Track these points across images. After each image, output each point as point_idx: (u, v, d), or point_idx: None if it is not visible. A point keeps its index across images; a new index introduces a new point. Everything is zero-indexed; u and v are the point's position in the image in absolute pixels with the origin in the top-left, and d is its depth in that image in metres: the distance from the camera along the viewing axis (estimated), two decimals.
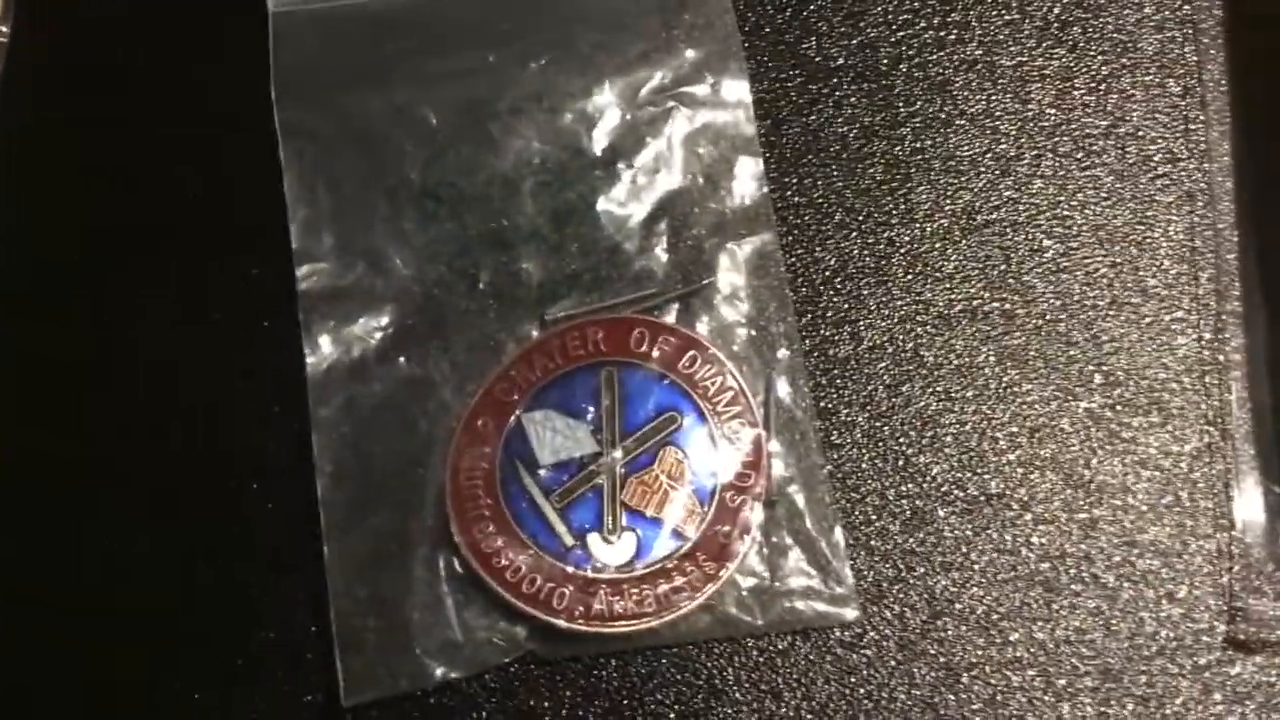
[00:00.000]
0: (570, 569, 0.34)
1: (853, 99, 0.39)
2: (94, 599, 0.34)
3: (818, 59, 0.39)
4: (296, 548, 0.34)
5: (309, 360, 0.35)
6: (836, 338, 0.37)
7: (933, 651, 0.34)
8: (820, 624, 0.34)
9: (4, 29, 0.39)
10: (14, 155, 0.38)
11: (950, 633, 0.35)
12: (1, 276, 0.37)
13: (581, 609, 0.33)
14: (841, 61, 0.39)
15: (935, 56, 0.40)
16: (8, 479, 0.35)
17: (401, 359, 0.36)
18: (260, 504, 0.35)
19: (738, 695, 0.34)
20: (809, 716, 0.34)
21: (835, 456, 0.36)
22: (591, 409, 0.35)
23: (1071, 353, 0.37)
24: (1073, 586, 0.35)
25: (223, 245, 0.37)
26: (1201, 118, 0.39)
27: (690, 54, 0.38)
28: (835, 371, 0.37)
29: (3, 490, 0.35)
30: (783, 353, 0.36)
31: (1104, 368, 0.37)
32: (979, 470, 0.36)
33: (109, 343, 0.37)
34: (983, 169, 0.39)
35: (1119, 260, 0.38)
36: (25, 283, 0.37)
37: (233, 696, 0.34)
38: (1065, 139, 0.39)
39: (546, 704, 0.34)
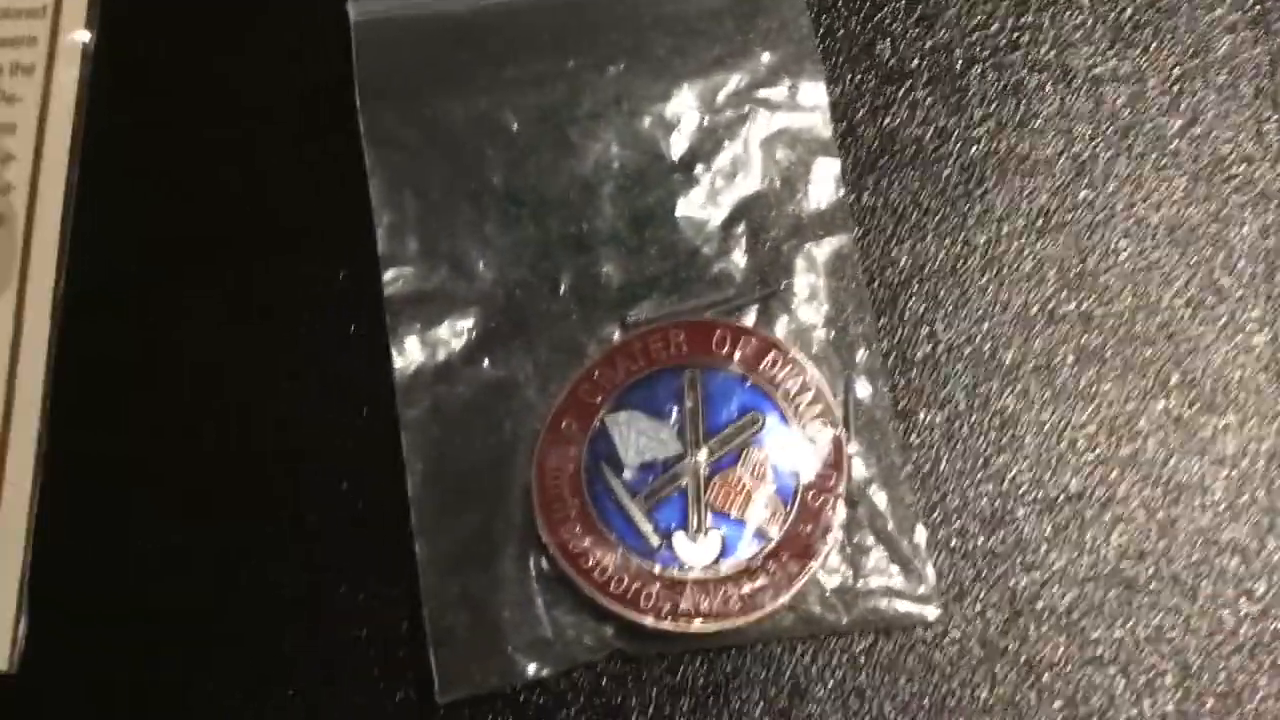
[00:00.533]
0: (657, 568, 0.34)
1: (927, 101, 0.39)
2: (193, 598, 0.35)
3: (892, 61, 0.40)
4: (388, 547, 0.35)
5: (396, 363, 0.36)
6: (914, 338, 0.37)
7: (1014, 650, 0.35)
8: (902, 623, 0.35)
9: (89, 34, 0.40)
10: (95, 160, 0.39)
11: (1031, 632, 0.35)
12: (81, 281, 0.38)
13: (668, 608, 0.34)
14: (916, 64, 0.40)
15: (1009, 59, 0.40)
16: (104, 481, 0.36)
17: (486, 361, 0.36)
18: (352, 504, 0.36)
19: (821, 694, 0.35)
20: (892, 714, 0.34)
21: (915, 457, 0.36)
22: (675, 410, 0.36)
23: (1149, 353, 0.37)
24: (1152, 585, 0.35)
25: (308, 251, 0.38)
26: (1274, 118, 0.39)
27: (766, 57, 0.39)
28: (913, 372, 0.37)
29: (94, 493, 0.36)
30: (861, 354, 0.37)
31: (1181, 367, 0.37)
32: (1058, 470, 0.36)
33: (203, 352, 0.37)
34: (1057, 170, 0.39)
35: (1195, 260, 0.38)
36: (103, 286, 0.38)
37: (328, 693, 0.34)
38: (1139, 140, 0.39)
39: (634, 701, 0.34)
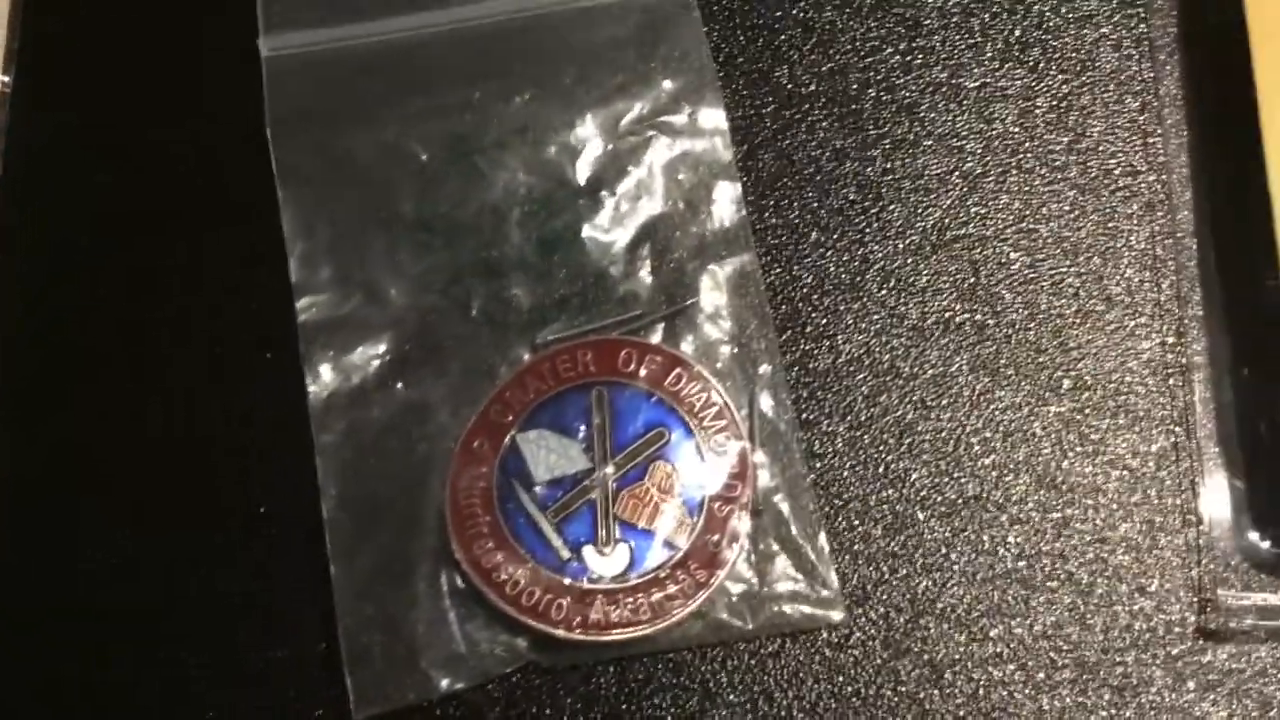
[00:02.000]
0: (567, 580, 0.35)
1: (824, 123, 0.41)
2: (102, 612, 0.36)
3: (790, 86, 0.41)
4: (304, 569, 0.36)
5: (310, 389, 0.37)
6: (816, 352, 0.39)
7: (917, 650, 0.36)
8: (808, 626, 0.36)
9: (6, 79, 0.41)
10: (19, 204, 0.40)
11: (933, 631, 0.36)
12: (6, 312, 0.39)
13: (579, 619, 0.35)
14: (813, 88, 0.41)
15: (902, 80, 0.41)
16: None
17: (399, 385, 0.37)
18: (269, 527, 0.36)
19: (731, 697, 0.36)
20: (800, 716, 0.35)
21: (818, 465, 0.37)
22: (583, 427, 0.37)
23: (1041, 360, 0.38)
24: (1048, 583, 0.36)
25: (223, 280, 0.39)
26: (1159, 131, 0.41)
27: (667, 84, 0.40)
28: (815, 384, 0.38)
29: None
30: (764, 368, 0.38)
31: (1072, 373, 0.38)
32: (956, 475, 0.37)
33: (116, 377, 0.38)
34: (951, 187, 0.40)
35: (1084, 270, 0.39)
36: (30, 322, 0.39)
37: (244, 713, 0.35)
38: (1029, 156, 0.40)
39: (548, 711, 0.35)
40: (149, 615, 0.36)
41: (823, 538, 0.36)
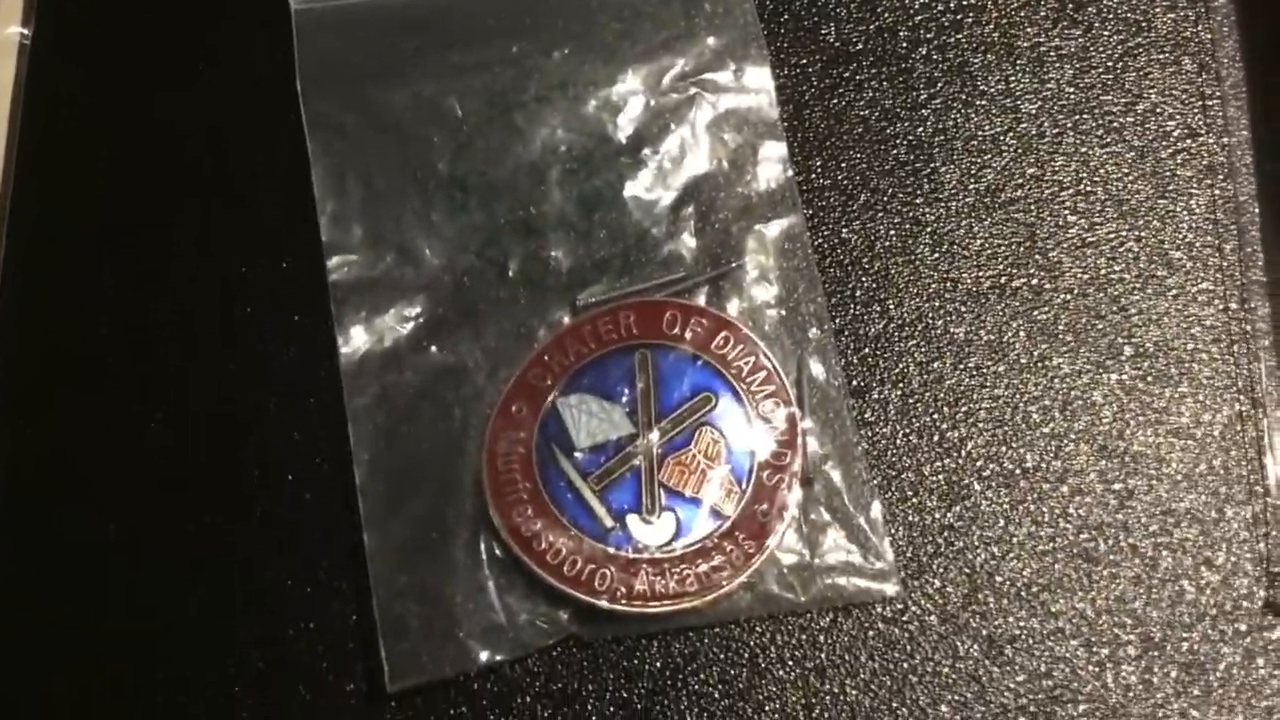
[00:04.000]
0: (611, 550, 0.34)
1: (873, 82, 0.39)
2: (130, 581, 0.34)
3: (837, 44, 0.40)
4: (336, 538, 0.34)
5: (342, 351, 0.36)
6: (866, 316, 0.37)
7: (975, 625, 0.34)
8: (861, 600, 0.34)
9: (26, 30, 0.39)
10: (39, 156, 0.38)
11: (991, 605, 0.35)
12: (25, 277, 0.37)
13: (623, 589, 0.33)
14: (861, 46, 0.40)
15: (953, 39, 0.40)
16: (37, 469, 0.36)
17: (434, 348, 0.36)
18: (299, 495, 0.35)
19: (780, 673, 0.34)
20: (853, 692, 0.34)
21: (870, 434, 0.36)
22: (626, 391, 0.35)
23: (1100, 326, 0.37)
24: (1111, 556, 0.35)
25: (251, 239, 0.37)
26: (1218, 93, 0.39)
27: (711, 41, 0.39)
28: (866, 350, 0.37)
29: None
30: (813, 332, 0.36)
31: (1133, 340, 0.37)
32: (1013, 444, 0.36)
33: (140, 340, 0.37)
34: (1005, 148, 0.39)
35: (1143, 234, 0.38)
36: (51, 278, 0.37)
37: (275, 687, 0.33)
38: (1085, 117, 0.39)
39: (590, 686, 0.34)
40: (179, 584, 0.34)
41: (876, 508, 0.35)
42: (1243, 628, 0.34)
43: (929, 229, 0.38)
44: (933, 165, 0.39)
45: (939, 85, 0.39)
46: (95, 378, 0.36)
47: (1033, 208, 0.38)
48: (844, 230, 0.38)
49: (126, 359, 0.36)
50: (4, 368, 0.36)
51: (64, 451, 0.36)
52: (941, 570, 0.35)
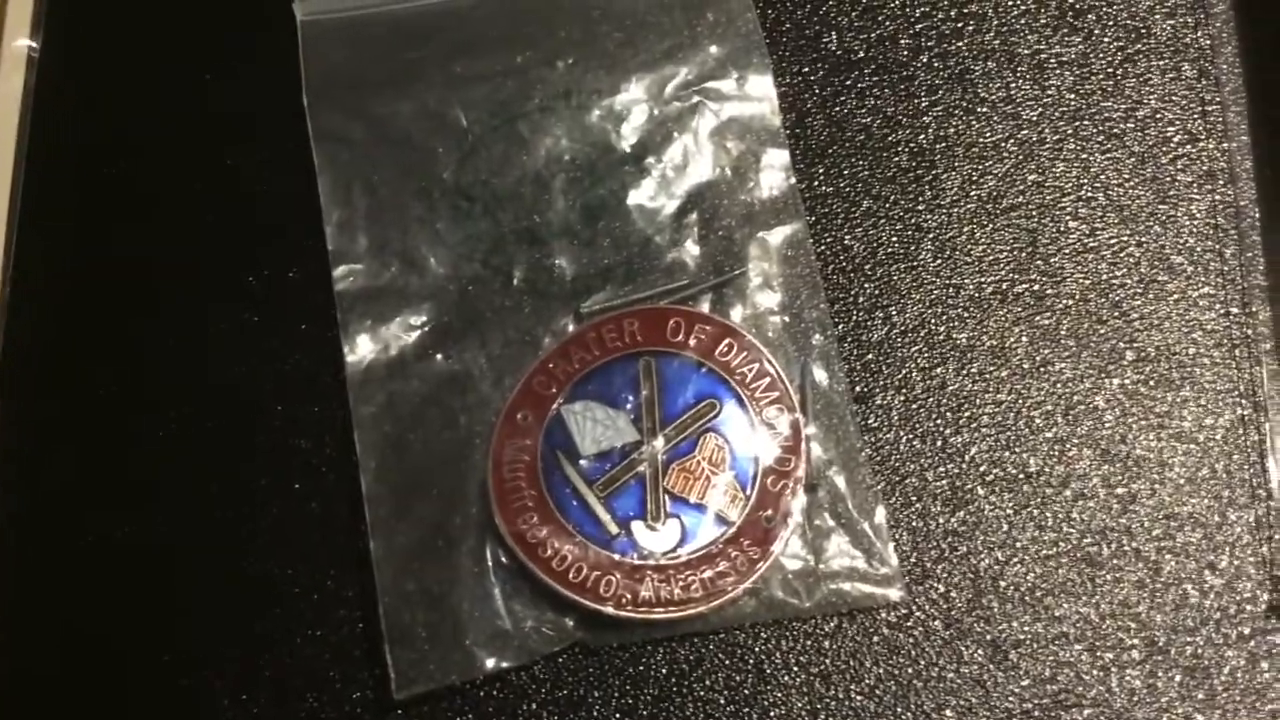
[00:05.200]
0: (616, 556, 0.34)
1: (875, 90, 0.40)
2: (136, 589, 0.34)
3: (839, 52, 0.40)
4: (342, 545, 0.34)
5: (348, 360, 0.36)
6: (869, 322, 0.37)
7: (979, 629, 0.35)
8: (866, 605, 0.34)
9: (34, 43, 0.39)
10: (47, 169, 0.39)
11: (996, 610, 0.35)
12: (33, 287, 0.38)
13: (629, 596, 0.34)
14: (862, 54, 0.40)
15: (954, 47, 0.40)
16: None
17: (439, 356, 0.36)
18: (305, 503, 0.35)
19: (786, 679, 0.34)
20: (858, 698, 0.34)
21: (873, 439, 0.36)
22: (631, 398, 0.35)
23: (1102, 331, 0.37)
24: (1115, 561, 0.35)
25: (258, 248, 0.38)
26: (1217, 99, 0.40)
27: (714, 50, 0.39)
28: (869, 356, 0.37)
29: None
30: (817, 338, 0.37)
31: (1135, 344, 0.37)
32: (1016, 449, 0.36)
33: (147, 347, 0.37)
34: (1006, 154, 0.39)
35: (1144, 239, 0.38)
36: (58, 288, 0.38)
37: (282, 695, 0.34)
38: (1085, 123, 0.39)
39: (596, 692, 0.34)
40: (184, 593, 0.35)
41: (880, 513, 0.35)
42: (1246, 631, 0.34)
43: (931, 235, 0.38)
44: (934, 172, 0.39)
45: (940, 93, 0.40)
46: (103, 386, 0.36)
47: (1034, 214, 0.38)
48: (846, 237, 0.38)
49: (134, 367, 0.37)
50: (10, 375, 0.37)
51: (70, 458, 0.36)
52: (945, 575, 0.35)
